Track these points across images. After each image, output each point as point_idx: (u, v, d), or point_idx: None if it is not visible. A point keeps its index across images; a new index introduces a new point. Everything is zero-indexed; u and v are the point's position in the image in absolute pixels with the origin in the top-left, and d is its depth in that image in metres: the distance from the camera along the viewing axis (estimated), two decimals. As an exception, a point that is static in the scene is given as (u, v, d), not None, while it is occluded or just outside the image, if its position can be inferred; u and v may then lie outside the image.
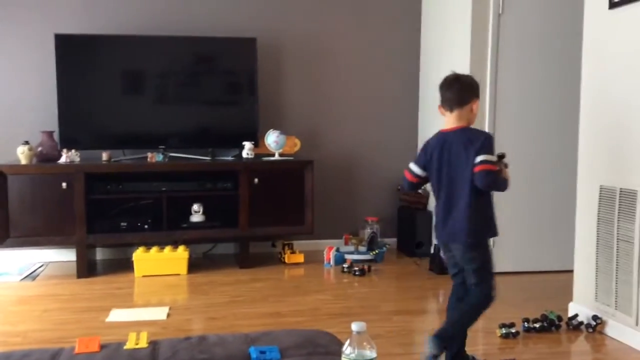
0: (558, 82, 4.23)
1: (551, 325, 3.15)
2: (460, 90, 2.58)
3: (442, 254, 2.60)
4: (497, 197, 4.46)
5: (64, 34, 4.32)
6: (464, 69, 4.22)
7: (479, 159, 2.46)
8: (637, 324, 2.93)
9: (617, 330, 2.95)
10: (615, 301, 3.04)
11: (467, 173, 2.49)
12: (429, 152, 2.62)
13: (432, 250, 4.40)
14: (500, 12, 4.14)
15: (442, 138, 2.59)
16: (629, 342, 2.96)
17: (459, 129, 2.56)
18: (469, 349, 2.93)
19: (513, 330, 3.06)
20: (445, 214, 2.58)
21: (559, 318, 3.19)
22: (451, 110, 2.57)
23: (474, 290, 2.56)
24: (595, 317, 3.13)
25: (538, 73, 4.21)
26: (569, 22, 4.11)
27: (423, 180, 2.68)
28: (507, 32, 4.17)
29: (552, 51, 4.20)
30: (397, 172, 5.09)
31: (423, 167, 2.64)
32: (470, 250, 2.54)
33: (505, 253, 4.25)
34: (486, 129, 4.19)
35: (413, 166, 2.67)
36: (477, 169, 2.46)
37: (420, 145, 5.01)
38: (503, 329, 3.07)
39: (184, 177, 4.37)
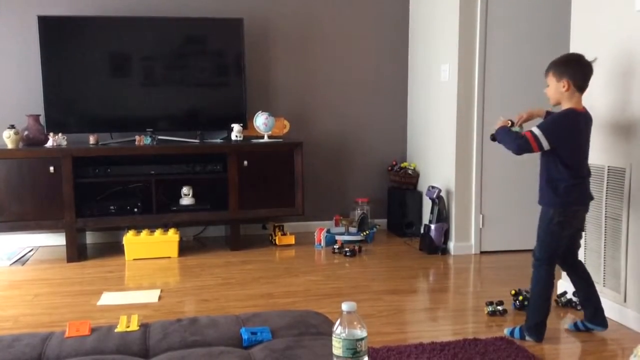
0: (547, 59, 4.22)
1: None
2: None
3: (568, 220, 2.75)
4: (487, 174, 4.43)
5: (47, 16, 4.25)
6: (452, 45, 4.21)
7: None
8: (625, 301, 2.96)
9: (606, 306, 2.97)
10: (604, 278, 3.07)
11: None
12: None
13: (422, 230, 4.42)
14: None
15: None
16: (617, 319, 2.99)
17: None
18: (457, 327, 2.96)
19: (500, 308, 3.09)
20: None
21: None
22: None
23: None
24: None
25: (526, 48, 4.19)
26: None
27: None
28: (495, 8, 4.15)
29: (541, 28, 4.18)
30: (386, 153, 5.11)
31: None
32: None
33: (495, 232, 4.29)
34: (475, 107, 4.20)
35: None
36: None
37: (409, 125, 5.05)
38: (489, 306, 3.10)
39: (172, 160, 4.34)
